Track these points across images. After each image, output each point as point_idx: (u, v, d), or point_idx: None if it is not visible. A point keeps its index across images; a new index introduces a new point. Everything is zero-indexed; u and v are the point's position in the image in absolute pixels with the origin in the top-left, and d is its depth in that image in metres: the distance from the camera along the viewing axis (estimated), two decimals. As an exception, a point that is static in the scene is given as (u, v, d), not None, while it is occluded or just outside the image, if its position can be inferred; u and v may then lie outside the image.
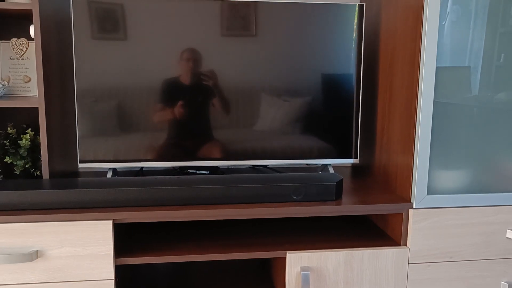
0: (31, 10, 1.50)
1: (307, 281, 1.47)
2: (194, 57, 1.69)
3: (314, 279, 1.50)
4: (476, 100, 1.54)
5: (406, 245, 1.56)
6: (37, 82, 1.52)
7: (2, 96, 1.63)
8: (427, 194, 1.53)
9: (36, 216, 1.38)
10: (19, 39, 1.68)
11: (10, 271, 1.38)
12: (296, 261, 1.49)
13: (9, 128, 1.70)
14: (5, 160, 1.67)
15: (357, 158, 1.81)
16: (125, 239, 1.61)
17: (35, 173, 1.72)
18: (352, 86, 1.77)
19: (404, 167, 1.58)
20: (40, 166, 1.68)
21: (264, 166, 1.99)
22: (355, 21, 1.73)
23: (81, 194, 1.43)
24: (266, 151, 1.76)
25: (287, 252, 1.49)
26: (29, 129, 1.71)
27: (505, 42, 1.52)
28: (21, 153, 1.66)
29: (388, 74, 1.70)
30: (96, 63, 1.64)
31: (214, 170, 1.87)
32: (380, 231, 1.71)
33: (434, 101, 1.49)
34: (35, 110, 1.84)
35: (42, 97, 1.52)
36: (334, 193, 1.54)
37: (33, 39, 1.63)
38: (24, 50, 1.68)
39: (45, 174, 1.56)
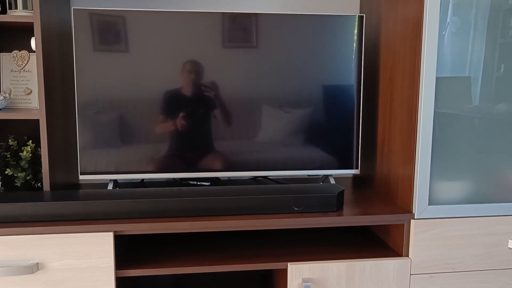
0: (33, 22, 1.50)
1: (309, 293, 1.46)
2: (195, 68, 1.69)
3: (316, 290, 1.49)
4: (477, 111, 1.54)
5: (408, 256, 1.55)
6: (38, 94, 1.53)
7: (3, 108, 1.64)
8: (429, 204, 1.53)
9: (36, 228, 1.37)
10: (20, 51, 1.68)
11: (11, 283, 1.38)
12: (298, 273, 1.48)
13: (10, 140, 1.71)
14: (6, 172, 1.67)
15: (358, 168, 1.81)
16: (126, 251, 1.60)
17: (36, 185, 1.72)
18: (353, 97, 1.77)
19: (405, 177, 1.58)
20: (41, 178, 1.68)
21: (265, 177, 1.98)
22: (355, 32, 1.74)
23: (82, 206, 1.43)
24: (267, 162, 1.76)
25: (288, 263, 1.49)
26: (30, 141, 1.71)
27: (505, 53, 1.52)
28: (22, 165, 1.66)
29: (388, 84, 1.70)
30: (97, 75, 1.64)
31: (215, 181, 1.87)
32: (382, 242, 1.70)
33: (434, 111, 1.49)
34: (36, 122, 1.84)
35: (43, 109, 1.52)
36: (335, 204, 1.53)
37: (34, 51, 1.63)
38: (26, 63, 1.69)
39: (46, 186, 1.56)
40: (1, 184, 1.67)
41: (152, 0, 1.93)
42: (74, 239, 1.39)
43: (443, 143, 1.52)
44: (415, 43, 1.50)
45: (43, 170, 1.55)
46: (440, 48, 1.48)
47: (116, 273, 1.43)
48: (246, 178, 2.02)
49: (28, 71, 1.70)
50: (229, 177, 2.00)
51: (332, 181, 1.83)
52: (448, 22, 1.47)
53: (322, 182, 1.89)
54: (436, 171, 1.53)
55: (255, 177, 2.01)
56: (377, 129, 1.80)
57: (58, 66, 1.66)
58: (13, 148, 1.69)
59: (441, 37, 1.47)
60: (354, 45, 1.75)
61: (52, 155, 1.58)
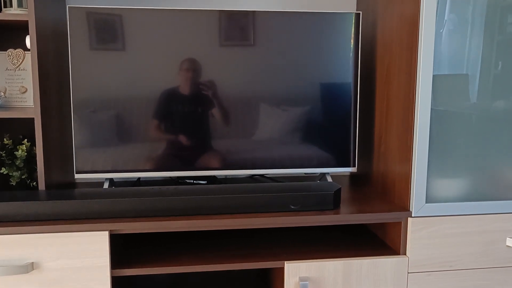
0: (27, 20, 1.49)
1: (306, 292, 1.46)
2: (193, 67, 1.68)
3: (313, 289, 1.49)
4: (475, 108, 1.53)
5: (405, 254, 1.54)
6: (33, 92, 1.52)
7: (-2, 107, 1.63)
8: (426, 202, 1.52)
9: (32, 227, 1.37)
10: (15, 49, 1.68)
11: (5, 283, 1.37)
12: (295, 271, 1.47)
13: (5, 139, 1.70)
14: (1, 171, 1.66)
15: (355, 166, 1.81)
16: (122, 251, 1.60)
17: (31, 184, 1.71)
18: (350, 94, 1.77)
19: (402, 175, 1.57)
20: (37, 177, 1.67)
21: (262, 175, 1.98)
22: (352, 29, 1.73)
23: (77, 205, 1.42)
24: (264, 160, 1.76)
25: (285, 262, 1.48)
26: (25, 139, 1.70)
27: (503, 50, 1.52)
28: (17, 164, 1.65)
29: (385, 82, 1.69)
30: (93, 73, 1.63)
31: (211, 179, 1.86)
32: (379, 240, 1.70)
33: (432, 109, 1.49)
34: (31, 120, 1.83)
35: (38, 107, 1.52)
36: (332, 202, 1.53)
37: (29, 50, 1.62)
38: (21, 61, 1.68)
39: (41, 185, 1.55)
40: (-4, 183, 1.67)
41: (148, -2, 1.93)
42: (70, 238, 1.38)
43: (440, 141, 1.52)
44: (412, 41, 1.49)
45: (38, 169, 1.54)
46: (438, 45, 1.47)
47: (111, 273, 1.43)
48: (243, 176, 2.01)
49: (23, 69, 1.69)
50: (226, 176, 1.99)
51: (329, 179, 1.82)
52: (445, 20, 1.47)
53: (319, 180, 1.89)
54: (433, 169, 1.52)
55: (252, 176, 2.00)
56: (374, 127, 1.80)
57: (53, 65, 1.65)
58: (8, 147, 1.69)
59: (438, 34, 1.47)
60: (351, 42, 1.74)
61: (47, 154, 1.58)
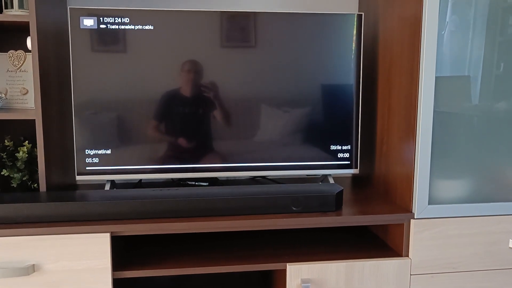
0: (28, 22, 1.49)
1: (308, 294, 1.45)
2: (194, 68, 1.68)
3: (315, 291, 1.48)
4: (477, 109, 1.53)
5: (408, 256, 1.54)
6: (34, 94, 1.51)
7: (-1, 108, 1.63)
8: (428, 204, 1.52)
9: (32, 229, 1.36)
10: (16, 51, 1.67)
11: (6, 285, 1.36)
12: (297, 273, 1.47)
13: (6, 141, 1.69)
14: (2, 173, 1.66)
15: (357, 168, 1.80)
16: (123, 252, 1.59)
17: (32, 186, 1.70)
18: (352, 96, 1.76)
19: (404, 177, 1.56)
20: (38, 178, 1.67)
21: (263, 177, 1.97)
22: (354, 31, 1.73)
23: (78, 207, 1.42)
24: (265, 162, 1.75)
25: (287, 264, 1.47)
26: (26, 141, 1.70)
27: (505, 51, 1.52)
28: (18, 165, 1.65)
29: (387, 84, 1.69)
30: (95, 75, 1.63)
31: (213, 181, 1.85)
32: (381, 242, 1.69)
33: (434, 110, 1.48)
34: (32, 122, 1.83)
35: (39, 109, 1.51)
36: (334, 204, 1.52)
37: (30, 51, 1.62)
38: (22, 62, 1.68)
39: (42, 187, 1.55)
40: (-3, 185, 1.67)
41: (149, -1, 1.93)
42: (71, 240, 1.38)
43: (442, 142, 1.51)
44: (414, 42, 1.48)
45: (39, 171, 1.54)
46: (439, 47, 1.47)
47: (113, 275, 1.42)
48: (245, 178, 2.00)
49: (24, 71, 1.68)
50: (227, 177, 1.99)
51: (331, 180, 1.82)
52: (447, 21, 1.46)
53: (321, 182, 1.88)
54: (435, 170, 1.52)
55: (254, 177, 2.00)
56: (376, 128, 1.79)
57: (54, 66, 1.65)
58: (9, 148, 1.68)
59: (440, 36, 1.46)
60: (353, 44, 1.74)
61: (48, 155, 1.57)
